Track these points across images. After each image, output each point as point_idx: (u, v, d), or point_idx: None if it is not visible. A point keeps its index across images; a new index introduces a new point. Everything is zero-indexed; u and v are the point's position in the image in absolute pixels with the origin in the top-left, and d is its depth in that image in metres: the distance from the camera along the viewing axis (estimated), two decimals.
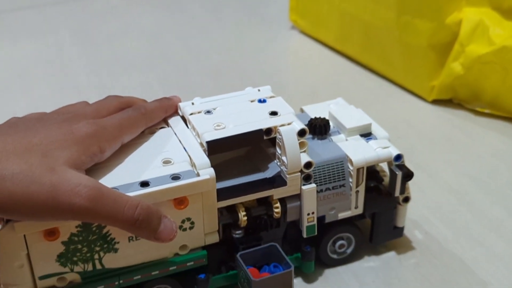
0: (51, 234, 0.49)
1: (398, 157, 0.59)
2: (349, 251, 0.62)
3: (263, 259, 0.56)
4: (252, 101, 0.59)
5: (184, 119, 0.59)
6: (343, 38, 0.98)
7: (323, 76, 0.96)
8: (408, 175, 0.59)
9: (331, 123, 0.61)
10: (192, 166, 0.54)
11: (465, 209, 0.69)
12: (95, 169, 0.52)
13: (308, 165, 0.56)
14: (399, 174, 0.59)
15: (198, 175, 0.53)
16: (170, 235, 0.50)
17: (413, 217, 0.67)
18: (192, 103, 0.59)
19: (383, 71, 0.93)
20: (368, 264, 0.63)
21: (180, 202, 0.52)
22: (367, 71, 0.96)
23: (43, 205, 0.45)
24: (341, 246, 0.61)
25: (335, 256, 0.62)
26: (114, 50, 1.04)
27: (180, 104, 0.59)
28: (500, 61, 0.79)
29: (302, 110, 0.65)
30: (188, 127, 0.58)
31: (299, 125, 0.55)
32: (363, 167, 0.58)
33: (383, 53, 0.91)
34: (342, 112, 0.62)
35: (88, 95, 0.91)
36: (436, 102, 0.88)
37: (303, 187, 0.56)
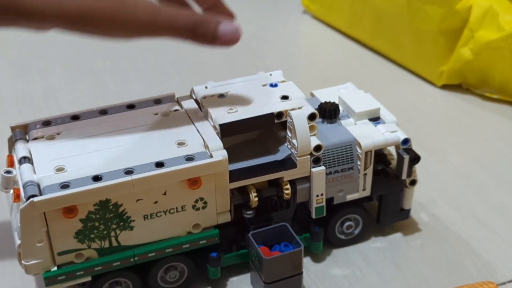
0: (69, 211, 0.51)
1: (406, 141, 0.60)
2: (356, 232, 0.64)
3: (273, 238, 0.58)
4: (264, 85, 0.60)
5: (197, 102, 0.60)
6: (354, 23, 0.99)
7: (334, 60, 0.97)
8: (415, 158, 0.60)
9: (340, 107, 0.63)
10: (205, 148, 0.55)
11: (471, 192, 0.71)
12: (111, 149, 0.55)
13: (317, 148, 0.57)
14: (406, 157, 0.60)
15: (211, 156, 0.54)
16: (234, 35, 0.51)
17: (420, 199, 0.69)
18: (206, 87, 0.61)
19: (393, 56, 0.94)
20: (375, 244, 0.64)
21: (194, 182, 0.54)
22: (378, 56, 0.97)
23: (111, 17, 0.48)
24: (349, 227, 0.63)
25: (343, 237, 0.64)
26: None
27: (194, 87, 0.61)
28: (509, 47, 0.80)
29: (312, 95, 0.66)
30: (201, 110, 0.59)
31: (309, 109, 0.57)
32: (371, 151, 0.59)
33: (393, 38, 0.92)
34: (351, 96, 0.64)
35: (103, 77, 0.93)
36: (445, 87, 0.89)
37: (313, 170, 0.58)
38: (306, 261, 0.62)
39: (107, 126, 0.58)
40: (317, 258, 0.63)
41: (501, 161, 0.76)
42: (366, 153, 0.59)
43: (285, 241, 0.58)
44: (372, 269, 0.62)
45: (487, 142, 0.79)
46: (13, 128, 0.59)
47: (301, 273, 0.57)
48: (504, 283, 0.60)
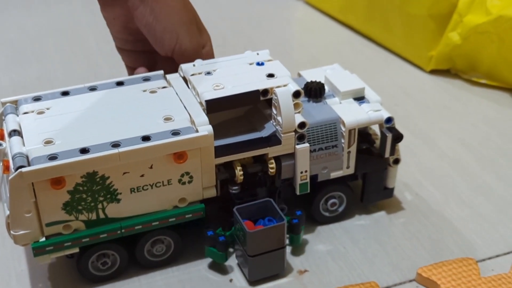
0: (57, 183, 0.52)
1: (389, 119, 0.61)
2: (340, 209, 0.65)
3: (258, 213, 0.59)
4: (250, 64, 0.62)
5: (185, 79, 0.62)
6: (347, 9, 1.00)
7: (325, 45, 0.99)
8: (398, 137, 0.61)
9: (326, 87, 0.64)
10: (191, 123, 0.57)
11: (456, 173, 0.72)
12: (99, 123, 0.56)
13: (302, 125, 0.59)
14: (389, 136, 0.61)
15: (197, 131, 0.56)
16: None
17: (405, 179, 0.70)
18: (193, 65, 0.62)
19: (384, 42, 0.96)
20: (359, 222, 0.66)
21: (180, 156, 0.55)
22: (369, 41, 0.98)
23: None
24: (333, 204, 0.64)
25: (327, 214, 0.65)
26: None
27: (181, 65, 0.62)
28: (496, 30, 0.81)
29: (299, 75, 0.67)
30: (189, 87, 0.61)
31: (294, 87, 0.58)
32: (354, 129, 0.61)
33: (384, 24, 0.93)
34: (337, 76, 0.65)
35: (98, 61, 0.95)
36: (434, 72, 0.90)
37: (297, 146, 0.59)
38: None
39: (96, 102, 0.59)
40: None
41: (487, 144, 0.77)
42: (350, 131, 0.61)
43: (269, 216, 0.59)
44: (356, 245, 0.63)
45: (474, 126, 0.80)
46: (3, 103, 0.60)
47: (284, 247, 0.58)
48: (483, 260, 0.61)
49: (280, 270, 0.59)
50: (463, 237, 0.64)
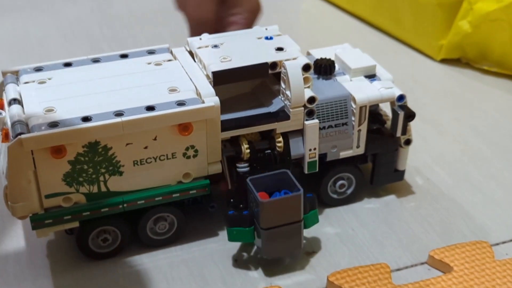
0: (58, 151, 0.50)
1: (401, 97, 0.60)
2: (349, 191, 0.63)
3: (273, 185, 0.56)
4: (259, 38, 0.60)
5: (191, 53, 0.60)
6: None
7: (334, 35, 0.97)
8: (410, 115, 0.60)
9: (336, 65, 0.62)
10: (197, 95, 0.55)
11: (467, 158, 0.70)
12: (102, 93, 0.54)
13: (311, 100, 0.57)
14: (401, 114, 0.59)
15: (203, 102, 0.54)
16: None
17: (416, 164, 0.68)
18: (200, 38, 0.60)
19: (393, 31, 0.94)
20: (369, 205, 0.64)
21: (185, 128, 0.53)
22: (378, 32, 0.96)
23: None
24: (342, 186, 0.62)
25: (335, 196, 0.63)
26: (127, 2, 1.05)
27: (188, 39, 0.60)
28: (508, 18, 0.79)
29: (308, 53, 0.66)
30: (195, 61, 0.59)
31: (304, 60, 0.56)
32: (365, 106, 0.59)
33: (393, 13, 0.92)
34: (347, 54, 0.63)
35: (101, 46, 0.93)
36: (444, 61, 0.88)
37: (306, 122, 0.57)
38: None
39: (99, 73, 0.57)
40: None
41: (498, 131, 0.75)
42: (361, 108, 0.59)
43: (285, 188, 0.55)
44: (365, 228, 0.61)
45: (485, 114, 0.78)
46: (4, 73, 0.58)
47: (301, 221, 0.54)
48: (497, 244, 0.59)
49: (297, 248, 0.55)
50: (475, 221, 0.62)
